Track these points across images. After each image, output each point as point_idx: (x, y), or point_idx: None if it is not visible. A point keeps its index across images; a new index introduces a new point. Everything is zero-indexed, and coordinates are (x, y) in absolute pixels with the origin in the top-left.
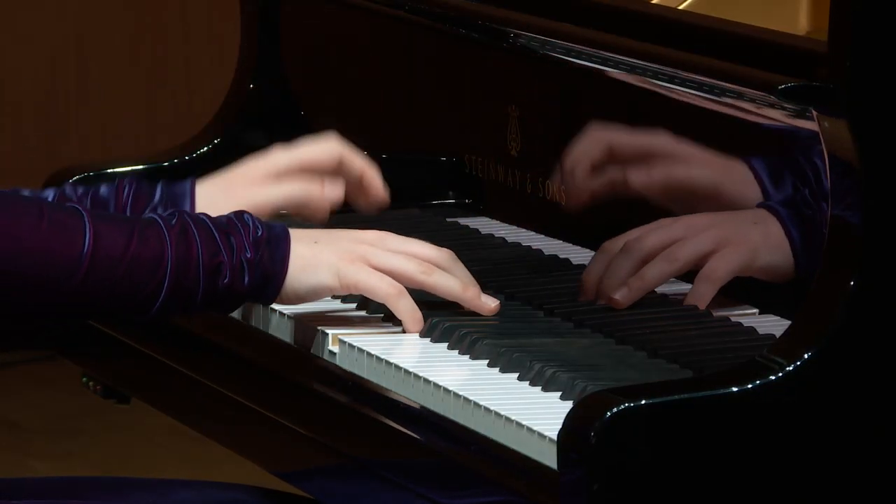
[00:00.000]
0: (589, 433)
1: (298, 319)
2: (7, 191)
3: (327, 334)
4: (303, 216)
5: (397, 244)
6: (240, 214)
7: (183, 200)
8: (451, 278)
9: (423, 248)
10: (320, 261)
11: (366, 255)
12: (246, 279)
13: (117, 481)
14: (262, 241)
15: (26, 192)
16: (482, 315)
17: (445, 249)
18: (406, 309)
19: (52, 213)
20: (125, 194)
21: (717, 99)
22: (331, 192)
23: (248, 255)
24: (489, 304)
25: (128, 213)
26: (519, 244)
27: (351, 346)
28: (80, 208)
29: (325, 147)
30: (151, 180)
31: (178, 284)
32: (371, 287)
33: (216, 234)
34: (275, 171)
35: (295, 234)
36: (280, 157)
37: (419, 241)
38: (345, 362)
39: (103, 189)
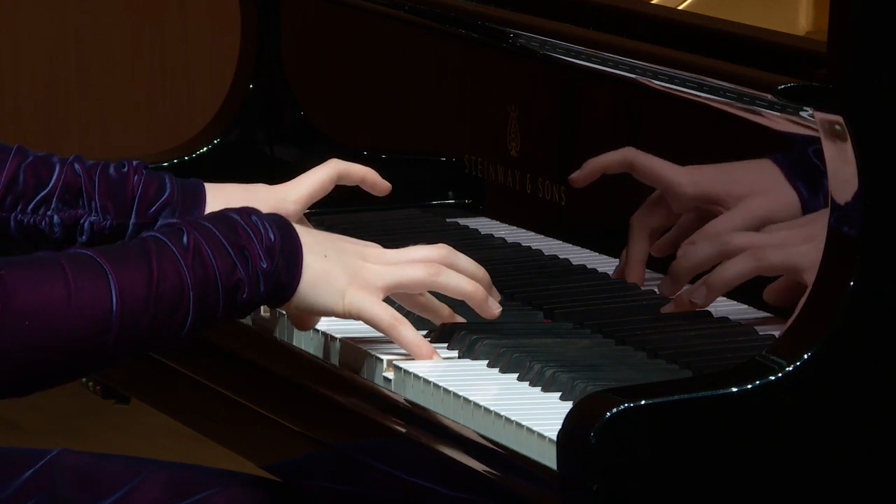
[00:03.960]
0: (589, 433)
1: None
2: (26, 257)
3: (318, 331)
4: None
5: (397, 255)
6: (247, 216)
7: (196, 204)
8: (461, 277)
9: (422, 251)
10: (329, 281)
11: (372, 279)
12: (262, 289)
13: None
14: (275, 249)
15: (41, 253)
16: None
17: (441, 245)
18: (409, 339)
19: (76, 279)
20: (135, 182)
21: (717, 99)
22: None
23: (264, 266)
24: (493, 310)
25: (136, 203)
26: (519, 244)
27: (347, 342)
28: (98, 260)
29: (325, 171)
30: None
31: (201, 308)
32: (372, 318)
33: (230, 250)
34: (290, 198)
35: (304, 239)
36: (292, 189)
37: (415, 247)
38: (338, 358)
39: (112, 171)
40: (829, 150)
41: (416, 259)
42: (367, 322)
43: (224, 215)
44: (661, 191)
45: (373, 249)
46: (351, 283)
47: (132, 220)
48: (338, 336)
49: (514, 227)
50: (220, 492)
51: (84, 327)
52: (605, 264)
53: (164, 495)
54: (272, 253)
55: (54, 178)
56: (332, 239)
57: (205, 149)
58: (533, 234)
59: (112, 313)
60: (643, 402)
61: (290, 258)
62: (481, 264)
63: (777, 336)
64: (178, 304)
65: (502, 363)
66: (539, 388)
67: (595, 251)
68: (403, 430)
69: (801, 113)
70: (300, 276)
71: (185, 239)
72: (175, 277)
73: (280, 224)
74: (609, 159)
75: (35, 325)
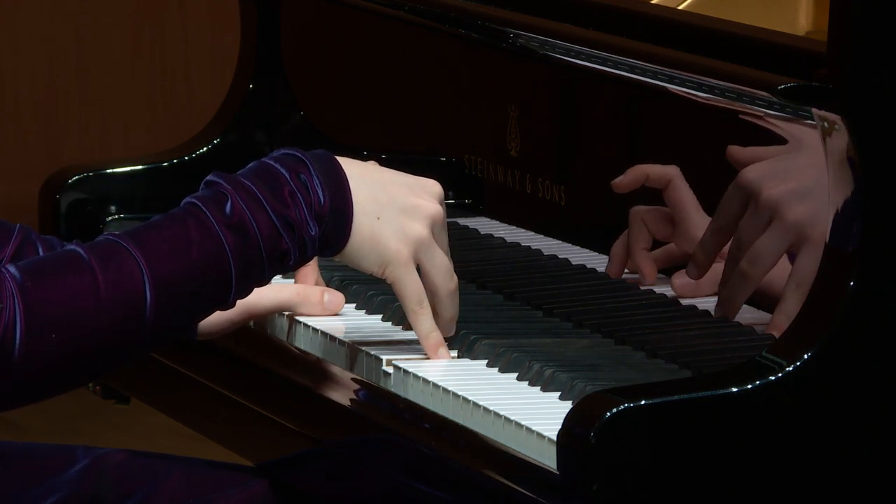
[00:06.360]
0: (589, 433)
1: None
2: (51, 259)
3: (318, 331)
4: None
5: (444, 242)
6: (296, 175)
7: None
8: (455, 308)
9: (452, 271)
10: (376, 245)
11: (419, 251)
12: (309, 252)
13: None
14: (325, 214)
15: (71, 247)
16: (485, 314)
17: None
18: (424, 329)
19: (105, 277)
20: None
21: (717, 99)
22: (330, 303)
23: (312, 233)
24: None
25: None
26: (518, 244)
27: (347, 342)
28: (132, 251)
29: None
30: (152, 185)
31: (244, 280)
32: (403, 295)
33: (276, 221)
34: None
35: (357, 196)
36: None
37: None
38: (338, 357)
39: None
40: (829, 150)
41: (450, 271)
42: (395, 293)
43: (272, 172)
44: (676, 221)
45: (432, 205)
46: (398, 251)
47: None
48: (337, 336)
49: (514, 227)
50: (239, 491)
51: (116, 325)
52: (604, 264)
53: (183, 493)
54: (321, 218)
55: None
56: (390, 192)
57: (205, 149)
58: (532, 233)
59: (146, 306)
60: (643, 402)
61: (339, 219)
62: (481, 264)
63: (777, 336)
64: (219, 282)
65: (502, 363)
66: (538, 387)
67: (595, 251)
68: (403, 429)
69: (801, 113)
70: (349, 237)
71: (228, 208)
72: (216, 256)
73: (332, 181)
74: (653, 170)
75: (64, 335)
